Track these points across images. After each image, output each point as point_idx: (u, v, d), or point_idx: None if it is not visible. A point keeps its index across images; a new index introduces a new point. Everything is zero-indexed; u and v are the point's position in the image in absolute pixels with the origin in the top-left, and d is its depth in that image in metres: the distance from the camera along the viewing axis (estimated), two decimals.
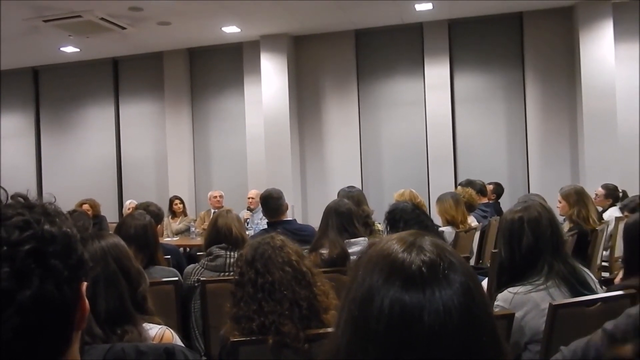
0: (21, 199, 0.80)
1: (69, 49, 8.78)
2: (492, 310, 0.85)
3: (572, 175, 7.81)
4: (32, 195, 0.84)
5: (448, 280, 0.79)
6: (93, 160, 9.80)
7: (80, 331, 0.83)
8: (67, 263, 0.77)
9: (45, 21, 7.12)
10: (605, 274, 5.01)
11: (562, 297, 2.08)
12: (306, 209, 8.58)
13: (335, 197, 4.57)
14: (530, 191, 7.77)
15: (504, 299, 2.12)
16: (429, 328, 0.76)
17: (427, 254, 0.81)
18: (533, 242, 2.15)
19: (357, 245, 3.29)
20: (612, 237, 5.13)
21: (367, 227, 4.25)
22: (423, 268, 0.79)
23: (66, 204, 6.91)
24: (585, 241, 4.23)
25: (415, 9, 7.62)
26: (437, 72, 8.25)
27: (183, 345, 1.83)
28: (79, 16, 6.98)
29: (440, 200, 4.96)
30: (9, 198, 0.80)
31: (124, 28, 7.60)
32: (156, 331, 1.74)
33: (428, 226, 3.44)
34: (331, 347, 0.85)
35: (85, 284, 0.82)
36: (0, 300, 0.70)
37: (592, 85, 7.40)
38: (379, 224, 4.67)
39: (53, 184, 10.01)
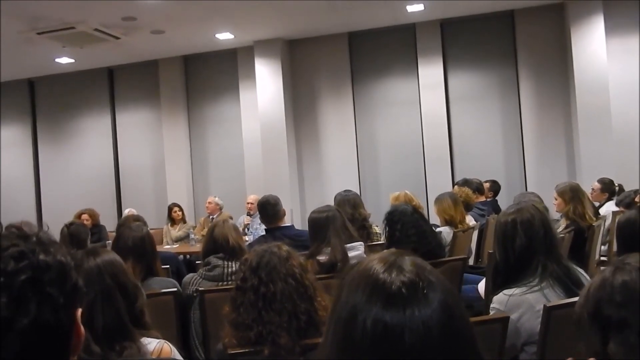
0: (15, 230, 0.83)
1: (64, 60, 8.81)
2: (472, 325, 0.87)
3: (568, 170, 7.83)
4: (29, 212, 0.86)
5: (427, 299, 0.81)
6: (91, 169, 9.81)
7: (76, 356, 0.86)
8: (62, 290, 0.80)
9: (39, 33, 7.14)
10: None
11: (556, 298, 2.10)
12: (304, 212, 8.58)
13: (333, 200, 4.61)
14: (528, 187, 7.80)
15: (499, 302, 2.14)
16: (410, 347, 0.78)
17: (407, 274, 0.84)
18: (526, 244, 2.17)
19: (354, 250, 3.31)
20: (609, 231, 5.15)
21: (364, 230, 4.28)
22: (403, 289, 0.82)
23: (65, 213, 6.95)
24: (582, 238, 4.25)
25: (407, 10, 7.64)
26: (431, 71, 8.27)
27: (182, 358, 1.85)
28: (73, 27, 7.00)
29: (438, 200, 4.98)
30: (4, 229, 0.83)
31: (118, 38, 7.61)
32: (155, 345, 1.76)
33: (425, 231, 3.47)
34: None
35: (80, 310, 0.85)
36: None
37: (585, 80, 7.43)
38: (377, 226, 4.69)
39: (51, 193, 10.03)
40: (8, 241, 0.79)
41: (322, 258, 3.22)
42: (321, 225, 3.37)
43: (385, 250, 0.91)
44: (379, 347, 0.79)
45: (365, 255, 3.31)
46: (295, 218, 7.98)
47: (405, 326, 0.79)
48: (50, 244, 0.83)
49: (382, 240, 4.41)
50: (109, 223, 7.75)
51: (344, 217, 3.57)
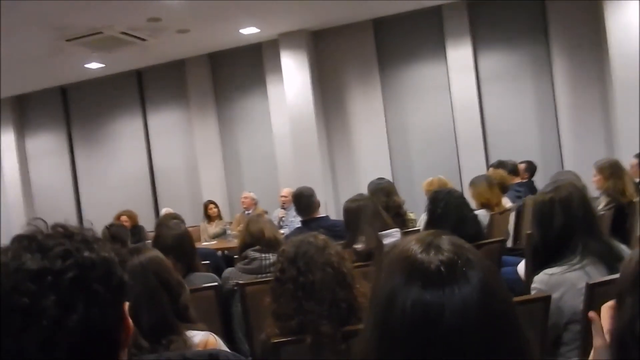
0: (60, 229, 0.85)
1: (94, 65, 8.97)
2: (512, 302, 0.87)
3: (606, 147, 7.63)
4: (71, 218, 0.89)
5: (466, 277, 0.81)
6: (126, 171, 10.01)
7: (126, 348, 0.88)
8: (108, 287, 0.81)
9: (68, 40, 7.29)
10: None
11: (599, 276, 2.06)
12: (338, 204, 8.57)
13: (366, 190, 4.62)
14: (564, 167, 7.63)
15: (540, 281, 2.12)
16: (450, 325, 0.79)
17: (445, 253, 0.84)
18: (565, 222, 2.14)
19: (390, 237, 3.31)
20: None
21: (399, 217, 4.27)
22: (441, 267, 0.82)
23: (104, 217, 7.08)
24: (623, 214, 4.16)
25: None
26: (459, 54, 8.14)
27: (227, 349, 1.89)
28: (100, 32, 7.13)
29: (473, 183, 4.94)
30: (49, 228, 0.86)
31: (144, 40, 7.72)
32: (200, 337, 1.79)
33: (466, 216, 3.45)
34: (361, 349, 0.88)
35: (127, 304, 0.87)
36: (50, 326, 0.75)
37: (621, 54, 7.17)
38: (411, 213, 4.68)
39: (90, 198, 10.27)
40: (54, 240, 0.82)
41: (358, 247, 3.24)
42: (353, 215, 3.40)
43: (422, 232, 0.91)
44: (419, 327, 0.80)
45: None
46: (329, 209, 8.00)
47: (445, 305, 0.79)
48: (95, 241, 0.85)
49: (417, 227, 4.40)
50: (147, 224, 7.89)
51: (377, 205, 3.57)
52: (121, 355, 0.86)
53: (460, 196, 3.56)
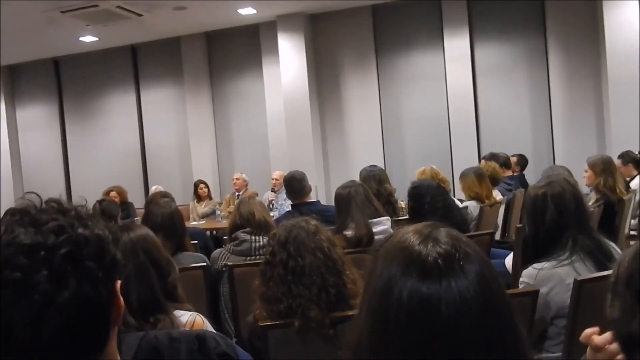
0: (54, 204, 0.84)
1: (88, 39, 8.85)
2: (508, 297, 0.87)
3: (598, 143, 7.67)
4: (62, 193, 0.87)
5: (464, 270, 0.81)
6: (117, 147, 9.94)
7: (117, 327, 0.87)
8: (101, 264, 0.80)
9: (62, 12, 7.18)
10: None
11: (587, 272, 2.08)
12: (329, 189, 8.58)
13: (358, 176, 4.61)
14: (556, 162, 7.67)
15: (528, 275, 2.13)
16: (446, 318, 0.78)
17: (443, 245, 0.83)
18: (557, 217, 2.15)
19: (380, 225, 3.31)
20: None
21: (390, 205, 4.28)
22: (439, 260, 0.81)
23: (93, 192, 7.05)
24: (612, 211, 4.19)
25: None
26: (457, 44, 8.11)
27: (214, 330, 1.89)
28: (96, 5, 7.03)
29: (463, 176, 4.92)
30: (43, 203, 0.84)
31: (140, 15, 7.62)
32: (187, 318, 1.79)
33: (451, 204, 3.46)
34: (353, 338, 0.88)
35: (119, 282, 0.86)
36: (41, 301, 0.74)
37: (617, 50, 7.19)
38: (402, 201, 4.68)
39: (80, 172, 10.20)
40: (48, 215, 0.80)
41: (348, 233, 3.24)
42: (344, 201, 3.39)
43: (419, 223, 0.91)
44: (415, 319, 0.79)
45: (391, 230, 3.32)
46: (320, 194, 8.00)
47: (442, 298, 0.79)
48: (89, 218, 0.84)
49: (407, 215, 4.41)
50: (137, 201, 7.86)
51: (369, 192, 3.56)
52: (112, 333, 0.85)
53: (438, 186, 3.57)
